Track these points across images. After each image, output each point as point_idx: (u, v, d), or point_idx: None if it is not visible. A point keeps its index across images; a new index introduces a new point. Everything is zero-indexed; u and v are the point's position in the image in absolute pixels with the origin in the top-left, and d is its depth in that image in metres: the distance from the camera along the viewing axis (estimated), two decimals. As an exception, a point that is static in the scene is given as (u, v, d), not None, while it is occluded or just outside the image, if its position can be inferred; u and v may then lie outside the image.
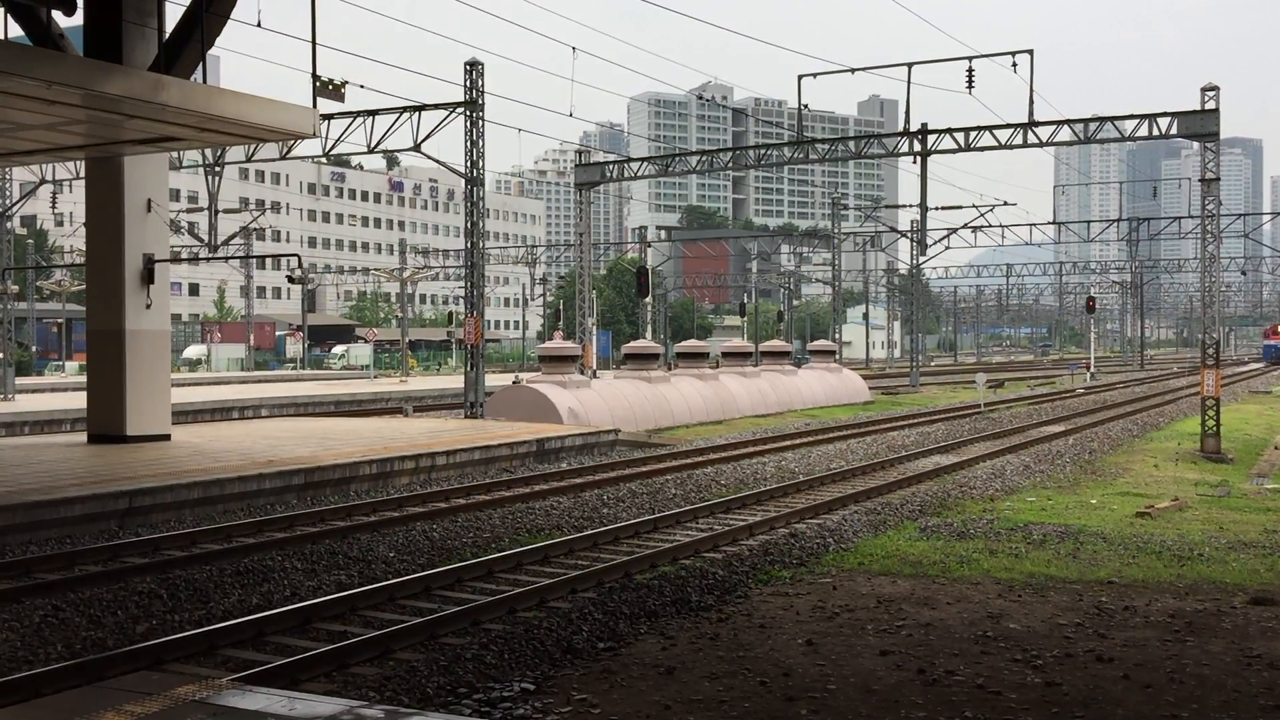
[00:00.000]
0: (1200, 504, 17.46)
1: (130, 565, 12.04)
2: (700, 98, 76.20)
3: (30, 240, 74.12)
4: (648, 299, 54.44)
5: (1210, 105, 26.06)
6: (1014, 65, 28.15)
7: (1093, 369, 60.31)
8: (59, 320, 66.92)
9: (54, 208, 41.50)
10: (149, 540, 13.24)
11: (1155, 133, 27.59)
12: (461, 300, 29.68)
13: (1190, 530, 14.86)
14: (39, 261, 67.24)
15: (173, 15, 19.37)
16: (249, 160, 30.84)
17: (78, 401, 26.71)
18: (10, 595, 10.69)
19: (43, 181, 34.69)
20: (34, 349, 61.20)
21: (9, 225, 35.97)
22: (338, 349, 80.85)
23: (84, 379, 23.78)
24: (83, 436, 21.78)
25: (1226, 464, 23.72)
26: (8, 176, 34.33)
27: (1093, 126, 28.61)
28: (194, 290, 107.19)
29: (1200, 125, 26.28)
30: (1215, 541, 14.00)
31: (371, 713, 6.32)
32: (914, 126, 30.43)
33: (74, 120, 16.31)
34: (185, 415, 29.67)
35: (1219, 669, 8.66)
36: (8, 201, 34.53)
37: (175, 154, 27.80)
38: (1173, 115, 26.93)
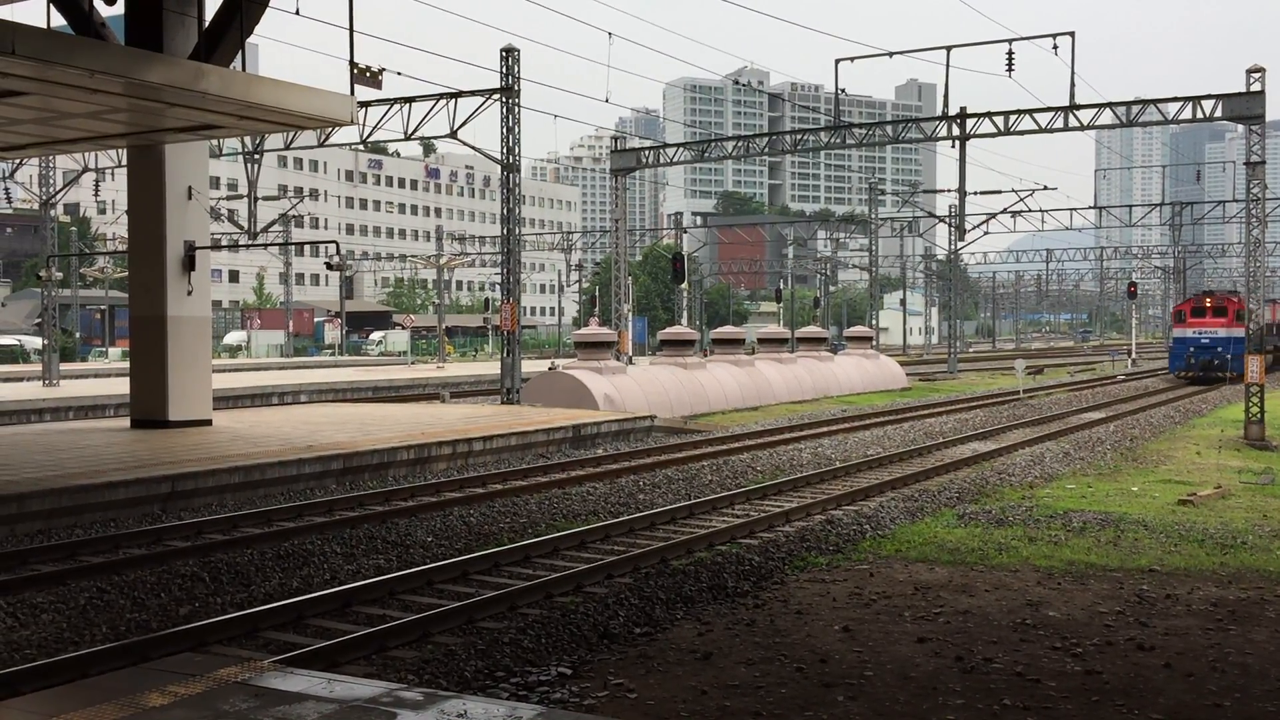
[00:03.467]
0: (1244, 492, 17.23)
1: (173, 548, 12.21)
2: (736, 83, 75.99)
3: (74, 228, 75.05)
4: (683, 285, 54.32)
5: (1256, 87, 25.62)
6: (1055, 48, 27.82)
7: (1134, 355, 59.61)
8: (102, 307, 67.82)
9: (96, 195, 41.92)
10: (191, 524, 13.41)
11: (1199, 115, 27.17)
12: (498, 286, 29.76)
13: (1233, 518, 14.68)
14: (82, 249, 68.10)
15: (212, 3, 19.50)
16: (288, 148, 31.04)
17: (121, 387, 27.07)
18: (57, 577, 10.87)
19: (85, 169, 35.10)
20: (78, 335, 62.06)
21: (52, 213, 36.44)
22: (375, 335, 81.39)
23: (127, 365, 24.09)
24: (126, 421, 22.06)
25: (1271, 451, 23.40)
26: (51, 165, 34.77)
27: (1135, 109, 28.21)
28: (234, 277, 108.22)
29: (1245, 107, 25.85)
30: (1259, 530, 13.83)
31: (410, 695, 6.37)
32: (953, 110, 30.13)
33: (116, 109, 16.48)
34: (226, 401, 30.00)
35: (1262, 658, 8.56)
36: (51, 189, 34.97)
37: (215, 142, 28.03)
38: (1217, 98, 26.51)
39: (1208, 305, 43.34)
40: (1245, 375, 25.71)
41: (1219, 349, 41.76)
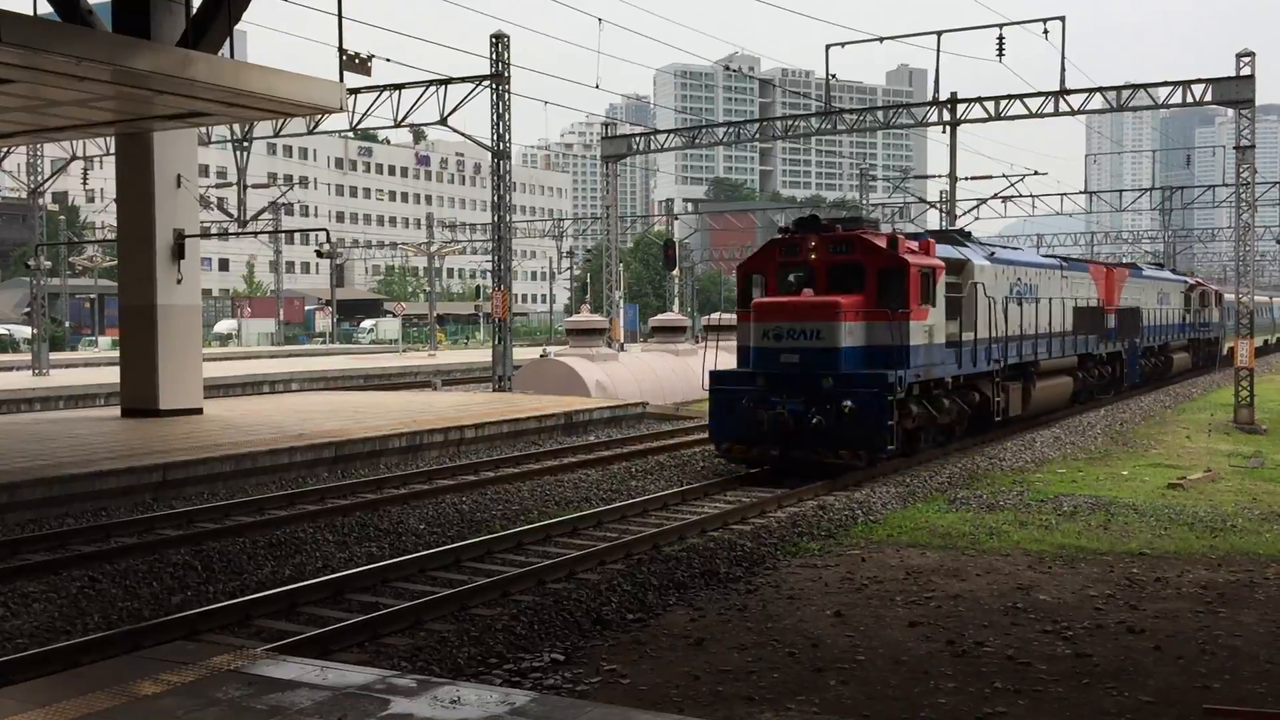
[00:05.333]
0: (1233, 475, 17.32)
1: (165, 537, 12.20)
2: (727, 69, 75.85)
3: (62, 216, 74.68)
4: (675, 271, 54.29)
5: (1245, 71, 25.65)
6: (1045, 32, 27.80)
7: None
8: (91, 296, 67.56)
9: (85, 184, 41.74)
10: (183, 513, 13.40)
11: (1189, 100, 27.20)
12: (489, 274, 29.69)
13: (1223, 501, 14.75)
14: (71, 237, 67.82)
15: (200, -10, 19.36)
16: (277, 135, 30.93)
17: (111, 376, 26.99)
18: (48, 567, 10.85)
19: (74, 158, 34.93)
20: (67, 324, 61.85)
21: (41, 202, 36.26)
22: (366, 323, 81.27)
23: (117, 354, 24.02)
24: (116, 410, 22.01)
25: (1260, 435, 23.52)
26: (39, 153, 34.59)
27: (1125, 94, 28.22)
28: (224, 265, 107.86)
29: (1235, 92, 25.89)
30: (1248, 513, 13.89)
31: (403, 682, 6.38)
32: (943, 95, 30.13)
33: (103, 96, 16.39)
34: (216, 389, 29.93)
35: (1252, 640, 8.61)
36: (39, 178, 34.80)
37: (204, 129, 27.91)
38: (1207, 82, 26.54)
39: (813, 258, 16.89)
40: (1235, 359, 25.71)
41: (825, 376, 15.87)
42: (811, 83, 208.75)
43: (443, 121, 26.75)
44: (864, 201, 58.23)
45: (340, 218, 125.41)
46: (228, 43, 18.67)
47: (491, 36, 26.97)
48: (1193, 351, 37.17)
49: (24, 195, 40.55)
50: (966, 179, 40.32)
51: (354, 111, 26.93)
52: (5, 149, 31.70)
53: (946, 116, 30.29)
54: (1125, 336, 28.25)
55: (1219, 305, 40.65)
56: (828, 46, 31.23)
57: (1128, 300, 28.84)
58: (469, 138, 28.69)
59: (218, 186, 45.82)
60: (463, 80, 26.61)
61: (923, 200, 55.08)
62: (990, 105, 29.57)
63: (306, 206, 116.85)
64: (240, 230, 31.69)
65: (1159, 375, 32.70)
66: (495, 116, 27.09)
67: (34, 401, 28.15)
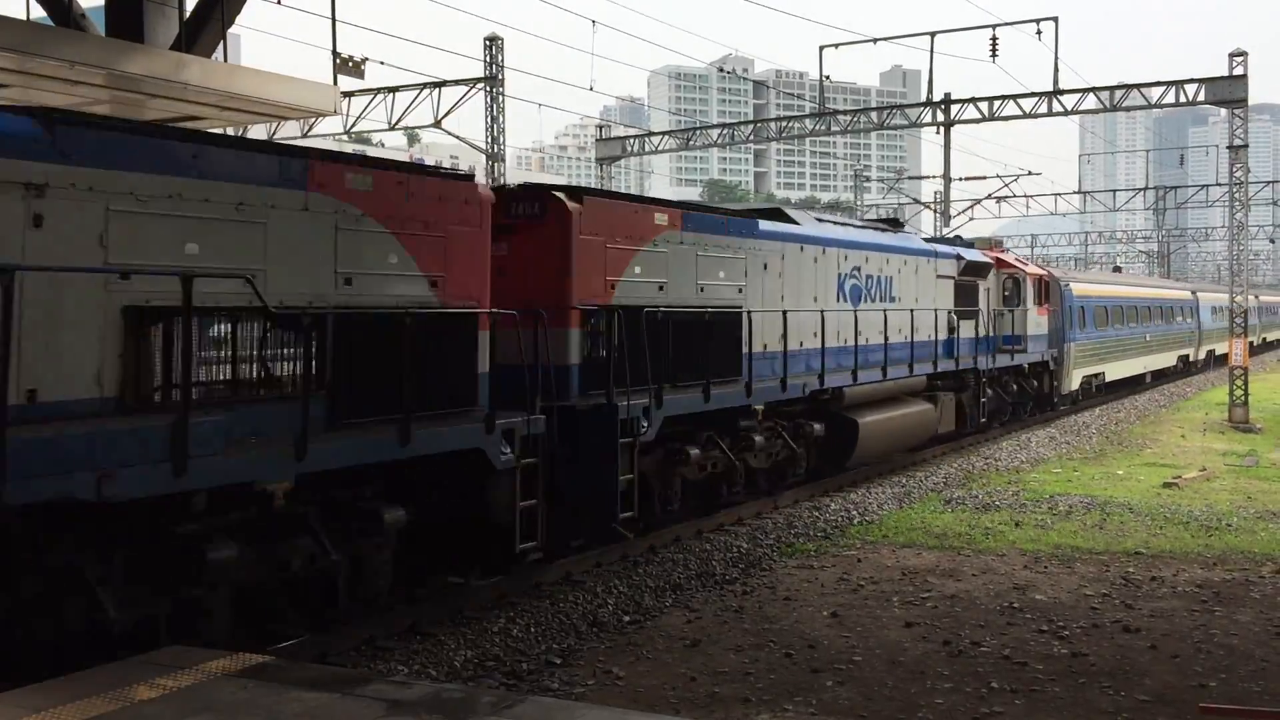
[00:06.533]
0: (1228, 474, 17.36)
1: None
2: (721, 70, 76.25)
3: (56, 221, 74.47)
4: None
5: (1238, 71, 25.72)
6: (1038, 33, 27.88)
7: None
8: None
9: (79, 188, 41.69)
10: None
11: (1182, 100, 27.25)
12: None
13: (1218, 500, 14.78)
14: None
15: (193, -6, 19.35)
16: (271, 139, 30.92)
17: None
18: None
19: (67, 162, 34.83)
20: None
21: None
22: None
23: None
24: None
25: (1255, 434, 23.56)
26: (33, 158, 34.55)
27: (1119, 94, 28.27)
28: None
29: (1228, 91, 25.96)
30: (1243, 511, 13.92)
31: (400, 683, 6.37)
32: (937, 96, 30.18)
33: (97, 100, 16.36)
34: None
35: (1247, 639, 8.62)
36: (33, 183, 34.75)
37: (198, 133, 27.86)
38: (1200, 82, 26.59)
39: None
40: (1229, 358, 25.79)
41: None
42: (805, 84, 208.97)
43: (437, 124, 26.76)
44: (858, 202, 58.35)
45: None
46: (221, 46, 18.65)
47: (485, 39, 26.98)
48: (963, 395, 19.08)
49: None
50: (961, 179, 40.41)
51: (348, 114, 26.96)
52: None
53: (940, 117, 30.34)
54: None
55: (1047, 302, 23.21)
56: (821, 48, 31.27)
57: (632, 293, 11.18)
58: (463, 140, 28.68)
59: (212, 190, 45.72)
60: (457, 83, 26.62)
61: (917, 201, 55.17)
62: (984, 106, 29.62)
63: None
64: (234, 234, 31.65)
65: (777, 484, 14.05)
66: (489, 119, 27.08)
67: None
